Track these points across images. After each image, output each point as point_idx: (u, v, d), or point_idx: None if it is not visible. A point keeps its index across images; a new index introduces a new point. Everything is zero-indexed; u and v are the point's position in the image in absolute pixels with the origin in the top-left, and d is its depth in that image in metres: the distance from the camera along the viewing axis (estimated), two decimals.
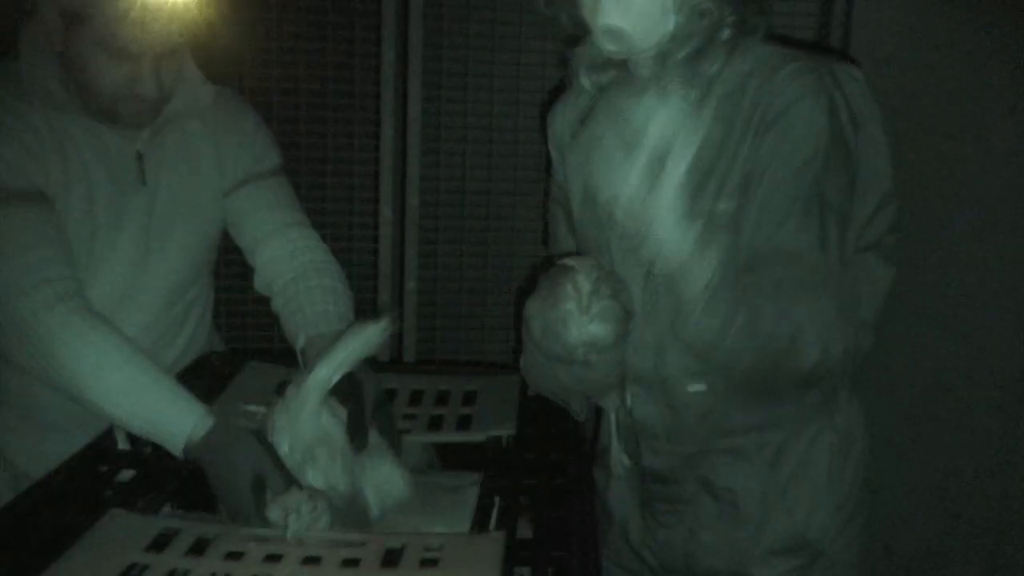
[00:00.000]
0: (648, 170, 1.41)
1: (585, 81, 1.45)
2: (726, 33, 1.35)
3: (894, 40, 2.49)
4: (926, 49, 2.47)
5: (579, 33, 1.42)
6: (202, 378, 1.76)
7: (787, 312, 1.28)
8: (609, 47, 1.36)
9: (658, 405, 1.51)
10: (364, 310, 2.68)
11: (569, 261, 1.36)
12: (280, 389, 1.46)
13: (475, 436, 1.61)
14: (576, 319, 1.31)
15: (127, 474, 1.48)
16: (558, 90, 1.66)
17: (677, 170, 1.36)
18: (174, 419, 1.42)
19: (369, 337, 1.42)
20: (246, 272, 1.84)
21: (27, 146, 1.55)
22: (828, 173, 1.33)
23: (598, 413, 1.70)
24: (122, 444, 1.54)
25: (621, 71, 1.44)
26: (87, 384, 1.44)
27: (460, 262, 2.76)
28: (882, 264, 1.48)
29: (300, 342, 1.66)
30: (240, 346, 2.49)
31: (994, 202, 2.49)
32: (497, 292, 2.75)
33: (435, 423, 1.67)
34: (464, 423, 1.66)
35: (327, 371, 1.40)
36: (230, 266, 2.02)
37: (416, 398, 1.78)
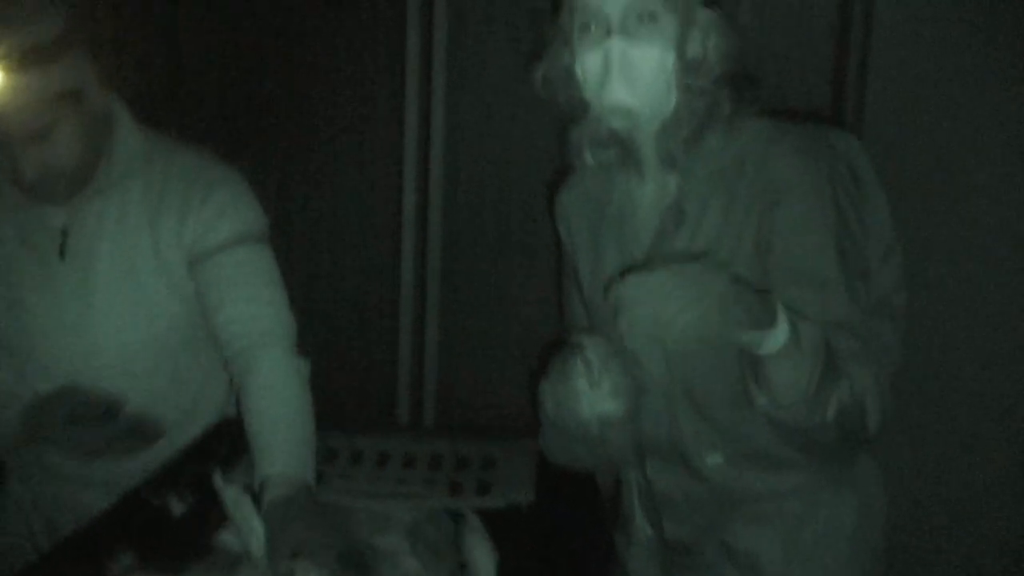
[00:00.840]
0: (652, 246, 1.44)
1: (588, 158, 1.47)
2: (725, 109, 1.39)
3: (914, 42, 2.50)
4: (946, 50, 2.48)
5: (578, 113, 1.45)
6: (221, 445, 1.77)
7: (855, 384, 1.29)
8: (616, 124, 1.40)
9: (677, 476, 1.51)
10: (384, 371, 2.73)
11: (579, 338, 1.37)
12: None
13: (494, 502, 1.60)
14: (588, 395, 1.33)
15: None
16: (563, 171, 1.68)
17: (682, 245, 1.40)
18: None
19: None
20: None
21: None
22: (847, 239, 1.35)
23: (619, 479, 1.70)
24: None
25: (623, 148, 1.47)
26: None
27: (481, 324, 2.76)
28: (890, 325, 1.48)
29: (255, 479, 1.56)
30: None
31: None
32: (518, 356, 2.75)
33: (455, 488, 1.67)
34: (484, 489, 1.66)
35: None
36: None
37: (436, 463, 1.78)
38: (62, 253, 1.67)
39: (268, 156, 2.66)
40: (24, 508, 1.82)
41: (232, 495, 1.43)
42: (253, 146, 2.65)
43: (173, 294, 1.71)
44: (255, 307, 1.68)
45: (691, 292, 1.15)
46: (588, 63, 1.36)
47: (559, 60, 1.42)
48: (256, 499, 1.46)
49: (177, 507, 1.56)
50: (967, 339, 2.50)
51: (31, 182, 1.57)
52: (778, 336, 1.21)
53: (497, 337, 2.76)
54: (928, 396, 2.47)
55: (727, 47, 1.38)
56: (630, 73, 1.34)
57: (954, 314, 2.48)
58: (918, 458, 2.52)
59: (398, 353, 2.70)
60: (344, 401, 2.71)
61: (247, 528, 1.39)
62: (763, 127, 1.41)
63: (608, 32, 1.33)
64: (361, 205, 2.71)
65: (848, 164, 1.42)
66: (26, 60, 1.47)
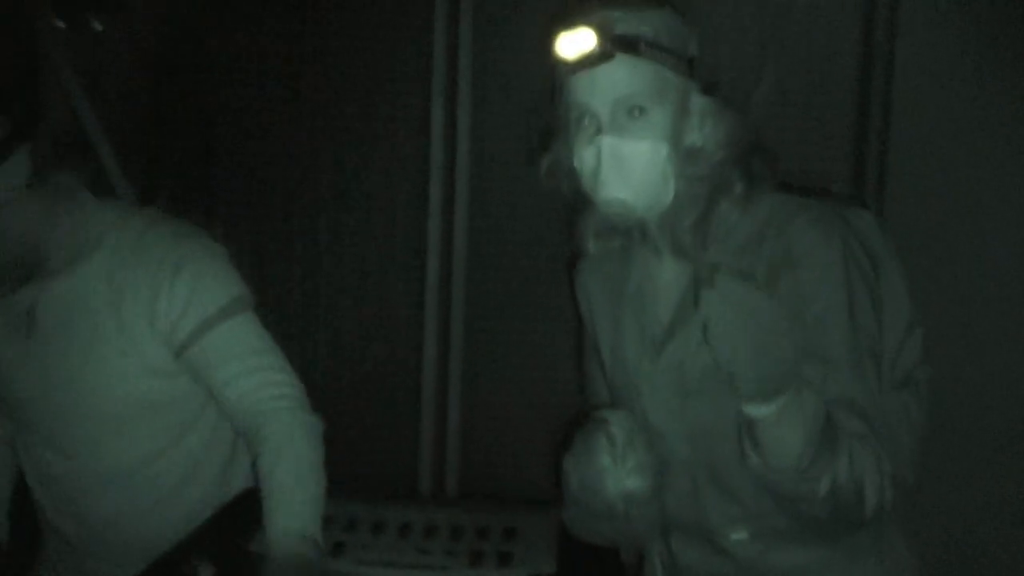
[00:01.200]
0: (672, 324, 1.44)
1: (591, 247, 1.49)
2: (736, 189, 1.39)
3: (938, 52, 2.52)
4: (970, 62, 2.49)
5: (581, 203, 1.45)
6: (243, 514, 1.77)
7: (855, 464, 1.28)
8: (613, 217, 1.40)
9: (702, 551, 1.49)
10: (406, 440, 2.73)
11: (603, 414, 1.37)
12: None
13: (515, 573, 1.60)
14: (612, 473, 1.33)
15: None
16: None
17: (700, 327, 1.39)
18: None
19: None
20: None
21: None
22: (857, 317, 1.35)
23: (642, 554, 1.68)
24: None
25: (634, 233, 1.47)
26: None
27: (503, 395, 2.76)
28: (916, 404, 1.47)
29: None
30: None
31: None
32: (540, 426, 2.74)
33: (476, 559, 1.66)
34: (505, 560, 1.66)
35: None
36: None
37: (457, 533, 1.78)
38: (28, 333, 1.69)
39: (293, 227, 2.70)
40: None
41: None
42: (276, 215, 2.70)
43: (145, 372, 1.68)
44: (251, 380, 1.66)
45: (779, 320, 1.17)
46: (583, 158, 1.36)
47: (559, 153, 1.43)
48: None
49: (205, 574, 1.56)
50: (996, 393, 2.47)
51: None
52: (771, 404, 1.22)
53: (519, 407, 2.75)
54: (958, 467, 2.44)
55: (727, 132, 1.38)
56: (622, 168, 1.34)
57: (986, 380, 2.46)
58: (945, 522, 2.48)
59: (420, 422, 2.70)
60: (366, 470, 2.71)
61: None
62: (781, 202, 1.42)
63: (599, 128, 1.34)
64: (384, 272, 2.74)
65: (863, 242, 1.42)
66: None
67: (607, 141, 1.34)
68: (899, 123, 2.58)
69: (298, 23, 2.69)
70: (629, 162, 1.34)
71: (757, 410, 1.22)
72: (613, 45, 1.32)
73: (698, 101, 1.38)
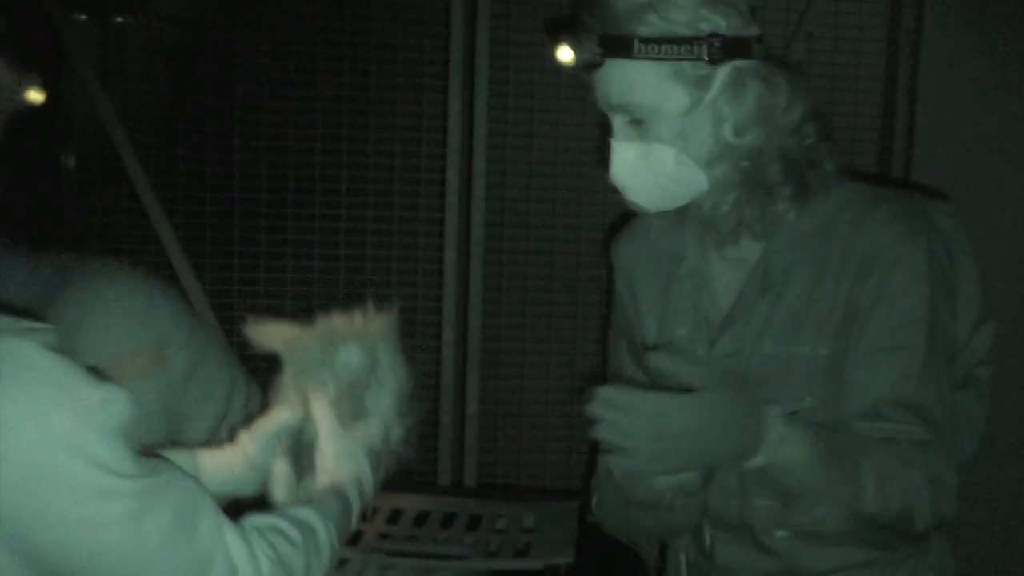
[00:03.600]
0: (733, 311, 1.38)
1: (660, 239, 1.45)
2: (785, 191, 1.32)
3: (963, 44, 2.50)
4: (995, 54, 2.48)
5: None
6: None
7: (892, 485, 1.24)
8: (639, 209, 1.36)
9: (743, 548, 1.44)
10: (426, 432, 2.73)
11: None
12: None
13: (533, 563, 1.60)
14: None
15: None
16: (623, 216, 1.62)
17: (765, 312, 1.35)
18: None
19: None
20: None
21: None
22: (936, 318, 1.30)
23: (663, 549, 1.65)
24: None
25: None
26: None
27: (521, 385, 2.77)
28: (976, 400, 1.44)
29: None
30: None
31: None
32: (559, 418, 2.75)
33: (493, 549, 1.66)
34: (523, 550, 1.65)
35: None
36: None
37: (475, 524, 1.77)
38: None
39: (315, 224, 2.71)
40: None
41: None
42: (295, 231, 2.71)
43: None
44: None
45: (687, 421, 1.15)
46: (610, 156, 1.33)
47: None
48: None
49: None
50: None
51: None
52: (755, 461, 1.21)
53: (538, 399, 2.76)
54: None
55: (760, 111, 1.29)
56: (631, 174, 1.31)
57: None
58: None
59: (439, 413, 2.71)
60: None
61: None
62: (855, 192, 1.35)
63: (613, 133, 1.31)
64: (405, 267, 2.75)
65: (944, 238, 1.36)
66: None
67: (614, 147, 1.31)
68: (924, 115, 2.57)
69: (315, 21, 2.70)
70: (637, 167, 1.30)
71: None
72: (603, 50, 1.26)
73: (722, 82, 1.28)
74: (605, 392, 1.14)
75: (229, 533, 0.95)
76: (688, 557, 1.53)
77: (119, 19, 2.78)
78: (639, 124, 1.29)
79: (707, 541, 1.47)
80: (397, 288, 2.73)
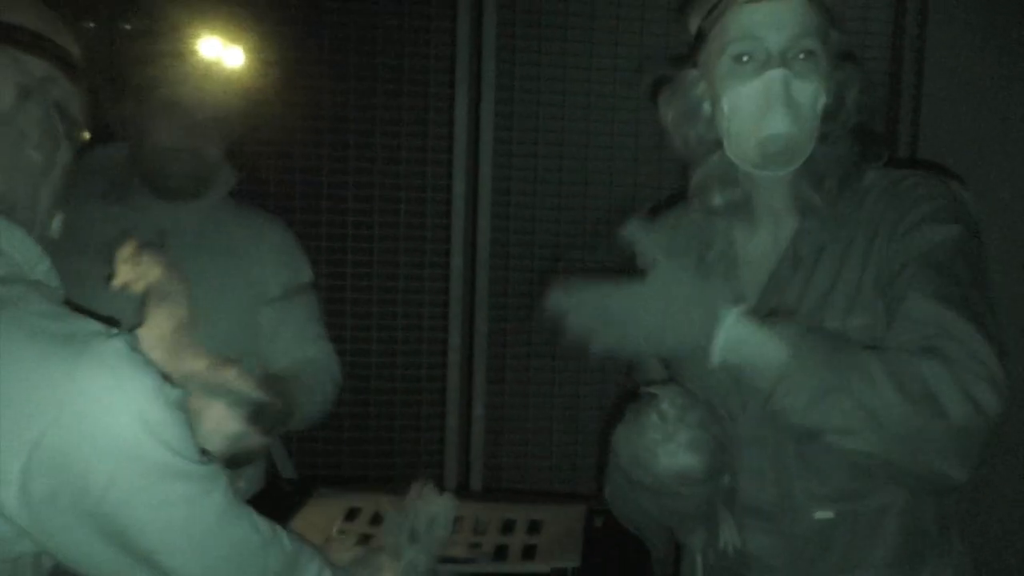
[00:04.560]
0: (764, 295, 1.40)
1: (717, 199, 1.43)
2: (850, 159, 1.38)
3: (967, 50, 2.51)
4: (998, 57, 2.49)
5: (703, 152, 1.43)
6: (273, 503, 1.79)
7: (925, 366, 1.20)
8: (769, 154, 1.35)
9: (777, 536, 1.42)
10: (432, 436, 2.75)
11: (654, 389, 1.33)
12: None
13: (539, 567, 1.60)
14: (663, 448, 1.29)
15: None
16: (654, 210, 1.64)
17: (796, 292, 1.36)
18: None
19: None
20: None
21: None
22: (966, 254, 1.31)
23: (678, 551, 1.65)
24: None
25: (741, 192, 1.43)
26: None
27: (527, 389, 2.78)
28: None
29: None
30: (310, 473, 2.53)
31: None
32: (565, 420, 2.76)
33: (500, 553, 1.67)
34: (529, 553, 1.66)
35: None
36: None
37: (481, 526, 1.78)
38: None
39: (321, 229, 2.72)
40: None
41: None
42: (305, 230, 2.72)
43: (248, 323, 1.90)
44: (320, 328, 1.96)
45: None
46: (743, 94, 1.34)
47: (692, 95, 1.41)
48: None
49: None
50: None
51: (166, 163, 1.83)
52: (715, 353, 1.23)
53: (544, 403, 2.77)
54: None
55: (863, 100, 1.38)
56: (791, 104, 1.32)
57: None
58: None
59: (446, 417, 2.72)
60: (393, 464, 2.73)
61: None
62: (882, 175, 1.40)
63: (768, 63, 1.32)
64: (410, 270, 2.76)
65: (972, 211, 1.38)
66: None
67: (781, 75, 1.31)
68: (928, 119, 2.58)
69: (319, 25, 2.71)
70: (798, 100, 1.32)
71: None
72: None
73: (847, 65, 1.38)
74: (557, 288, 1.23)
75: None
76: (706, 559, 1.52)
77: (128, 26, 2.80)
78: (808, 57, 1.33)
79: (725, 537, 1.46)
80: (404, 293, 2.75)
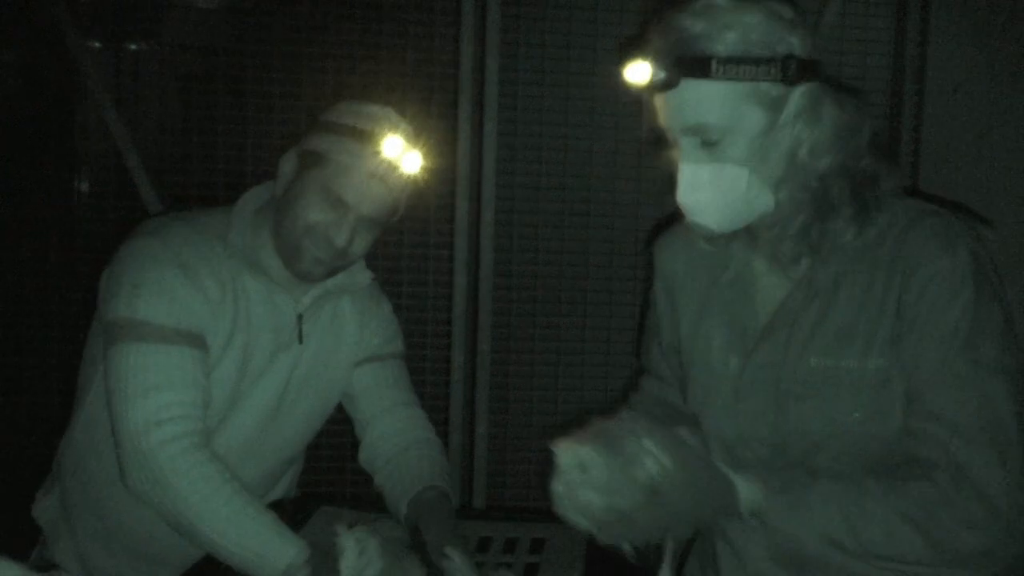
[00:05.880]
0: (774, 320, 1.37)
1: (705, 245, 1.45)
2: (846, 212, 1.31)
3: (966, 67, 2.52)
4: (999, 77, 2.49)
5: None
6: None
7: (888, 514, 1.23)
8: (698, 227, 1.35)
9: (774, 563, 1.40)
10: None
11: (559, 446, 1.36)
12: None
13: None
14: (561, 502, 1.34)
15: None
16: (658, 228, 1.63)
17: (812, 320, 1.33)
18: (276, 550, 1.52)
19: None
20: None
21: (206, 293, 1.64)
22: (982, 329, 1.25)
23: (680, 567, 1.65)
24: None
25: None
26: (195, 513, 1.53)
27: (531, 408, 2.78)
28: None
29: (403, 510, 1.74)
30: (313, 490, 2.52)
31: None
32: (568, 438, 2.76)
33: (503, 571, 1.66)
34: (532, 571, 1.66)
35: None
36: None
37: (484, 545, 1.78)
38: (299, 338, 1.78)
39: None
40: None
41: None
42: None
43: (343, 394, 1.91)
44: (412, 395, 1.96)
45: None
46: (675, 177, 1.32)
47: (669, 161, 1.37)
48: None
49: None
50: None
51: (303, 248, 1.68)
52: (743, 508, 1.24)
53: (547, 420, 2.77)
54: None
55: (831, 135, 1.29)
56: (701, 195, 1.30)
57: None
58: None
59: (449, 436, 2.72)
60: None
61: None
62: (905, 209, 1.33)
63: (682, 156, 1.30)
64: (415, 291, 2.77)
65: (992, 255, 1.32)
66: None
67: (683, 169, 1.30)
68: (929, 138, 2.59)
69: (326, 47, 2.73)
70: (708, 189, 1.29)
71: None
72: (679, 70, 1.25)
73: (797, 104, 1.28)
74: (563, 456, 1.25)
75: None
76: None
77: (133, 46, 2.82)
78: (712, 146, 1.28)
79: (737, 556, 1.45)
80: (408, 312, 2.75)
